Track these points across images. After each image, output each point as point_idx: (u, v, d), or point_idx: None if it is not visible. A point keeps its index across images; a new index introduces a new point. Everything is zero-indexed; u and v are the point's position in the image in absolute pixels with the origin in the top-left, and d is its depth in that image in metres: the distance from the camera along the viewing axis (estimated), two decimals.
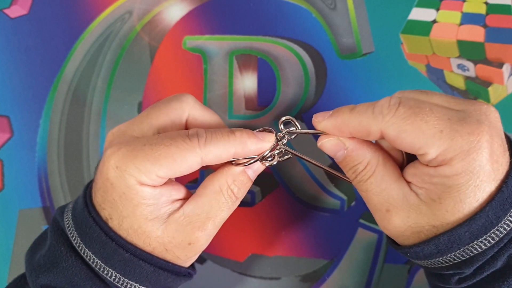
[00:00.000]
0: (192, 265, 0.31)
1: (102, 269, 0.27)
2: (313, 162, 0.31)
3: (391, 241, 0.29)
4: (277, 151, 0.29)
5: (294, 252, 0.39)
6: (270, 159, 0.29)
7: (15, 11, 0.45)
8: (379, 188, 0.27)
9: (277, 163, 0.30)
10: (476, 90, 0.40)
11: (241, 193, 0.29)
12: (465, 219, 0.24)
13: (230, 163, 0.29)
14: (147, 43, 0.43)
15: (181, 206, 0.28)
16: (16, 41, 0.44)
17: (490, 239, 0.24)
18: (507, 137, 0.27)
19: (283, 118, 0.30)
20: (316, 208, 0.39)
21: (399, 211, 0.26)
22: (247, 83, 0.42)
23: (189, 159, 0.26)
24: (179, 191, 0.28)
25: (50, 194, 0.41)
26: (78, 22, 0.44)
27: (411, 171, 0.26)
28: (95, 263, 0.27)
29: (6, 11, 0.45)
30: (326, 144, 0.28)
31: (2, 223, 0.41)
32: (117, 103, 0.42)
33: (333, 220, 0.39)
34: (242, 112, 0.41)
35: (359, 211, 0.39)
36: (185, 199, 0.29)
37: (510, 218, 0.24)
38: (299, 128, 0.30)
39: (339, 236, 0.39)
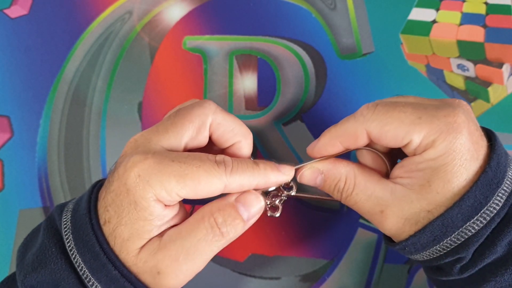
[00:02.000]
0: None
1: (88, 279, 0.26)
2: (308, 196, 0.33)
3: (388, 240, 0.30)
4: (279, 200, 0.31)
5: (294, 252, 0.39)
6: (274, 206, 0.31)
7: (15, 11, 0.45)
8: (366, 195, 0.28)
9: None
10: (476, 90, 0.40)
11: (228, 228, 0.27)
12: (456, 199, 0.25)
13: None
14: (147, 43, 0.43)
15: (167, 230, 0.27)
16: (16, 41, 0.44)
17: (482, 219, 0.25)
18: (482, 128, 0.28)
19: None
20: (316, 208, 0.39)
21: (392, 207, 0.27)
22: (247, 83, 0.42)
23: (213, 185, 0.26)
24: (179, 216, 0.28)
25: (50, 194, 0.41)
26: (78, 22, 0.44)
27: (398, 165, 0.28)
28: (82, 271, 0.26)
29: (6, 11, 0.45)
30: (304, 174, 0.30)
31: (2, 223, 0.41)
32: (117, 103, 0.42)
33: (333, 220, 0.39)
34: (242, 112, 0.42)
35: None
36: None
37: (498, 198, 0.25)
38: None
39: (339, 236, 0.39)
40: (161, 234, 0.27)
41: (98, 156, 0.42)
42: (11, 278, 0.30)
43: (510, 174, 0.26)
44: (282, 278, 0.39)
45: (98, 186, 0.29)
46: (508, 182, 0.26)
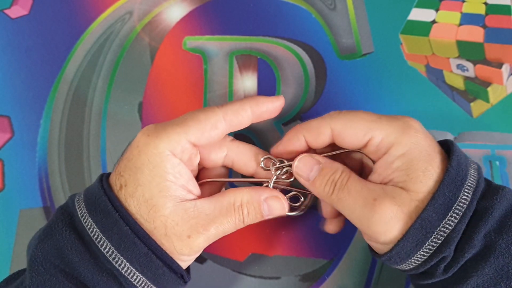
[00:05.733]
0: (187, 270, 0.31)
1: (98, 239, 0.27)
2: (306, 191, 0.34)
3: (375, 253, 0.30)
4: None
5: (294, 252, 0.39)
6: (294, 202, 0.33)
7: (15, 12, 0.45)
8: (360, 185, 0.29)
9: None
10: (475, 90, 0.40)
11: (247, 218, 0.30)
12: (437, 186, 0.27)
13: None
14: (147, 43, 0.43)
15: (194, 199, 0.29)
16: (17, 41, 0.44)
17: (455, 215, 0.26)
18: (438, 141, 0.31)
19: (264, 157, 0.33)
20: (316, 208, 0.40)
21: (385, 196, 0.28)
22: (247, 83, 0.42)
23: (212, 118, 0.29)
24: (195, 188, 0.30)
25: (51, 194, 0.41)
26: (78, 22, 0.44)
27: (375, 172, 0.29)
28: (93, 233, 0.27)
29: (7, 11, 0.45)
30: (302, 160, 0.31)
31: (3, 223, 0.41)
32: (118, 103, 0.43)
33: None
34: None
35: None
36: (197, 196, 0.30)
37: (465, 194, 0.27)
38: (277, 162, 0.33)
39: (339, 236, 0.39)
40: (191, 201, 0.29)
41: (98, 156, 0.42)
42: (21, 270, 0.32)
43: (472, 172, 0.28)
44: (282, 278, 0.39)
45: (106, 173, 0.31)
46: (471, 179, 0.28)
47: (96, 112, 0.42)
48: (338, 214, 0.34)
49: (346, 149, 0.32)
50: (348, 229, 0.39)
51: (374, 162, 0.30)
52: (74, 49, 0.44)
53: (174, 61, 0.43)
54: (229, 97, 0.42)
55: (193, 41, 0.43)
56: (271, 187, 0.32)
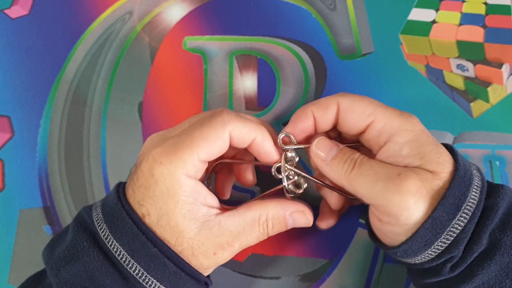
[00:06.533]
0: (208, 276, 0.32)
1: (127, 262, 0.27)
2: (317, 180, 0.33)
3: (381, 244, 0.30)
4: (287, 176, 0.32)
5: (294, 252, 0.39)
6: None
7: (15, 12, 0.45)
8: (381, 163, 0.29)
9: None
10: (475, 90, 0.40)
11: (272, 231, 0.31)
12: (453, 167, 0.27)
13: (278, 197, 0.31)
14: (147, 43, 0.43)
15: (217, 215, 0.29)
16: (17, 41, 0.44)
17: (464, 215, 0.26)
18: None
19: (282, 134, 0.32)
20: (316, 208, 0.40)
21: (409, 171, 0.27)
22: (247, 83, 0.42)
23: (220, 133, 0.28)
24: (214, 199, 0.30)
25: (51, 194, 0.41)
26: (78, 22, 0.44)
27: (387, 160, 0.29)
28: (121, 256, 0.27)
29: (7, 11, 0.45)
30: (321, 140, 0.31)
31: (3, 223, 0.41)
32: (118, 103, 0.43)
33: None
34: (242, 112, 0.42)
35: (359, 211, 0.39)
36: (218, 209, 0.30)
37: (473, 193, 0.27)
38: (295, 141, 0.32)
39: (339, 236, 0.39)
40: (215, 218, 0.29)
41: (98, 156, 0.42)
42: (35, 278, 0.31)
43: (475, 172, 0.28)
44: (282, 278, 0.39)
45: (122, 184, 0.30)
46: (477, 179, 0.28)
47: (96, 112, 0.42)
48: (334, 211, 0.34)
49: (350, 143, 0.32)
50: (348, 229, 0.39)
51: (373, 153, 0.30)
52: (74, 49, 0.44)
53: (174, 61, 0.43)
54: (229, 97, 0.42)
55: (193, 41, 0.43)
56: (284, 170, 0.32)
